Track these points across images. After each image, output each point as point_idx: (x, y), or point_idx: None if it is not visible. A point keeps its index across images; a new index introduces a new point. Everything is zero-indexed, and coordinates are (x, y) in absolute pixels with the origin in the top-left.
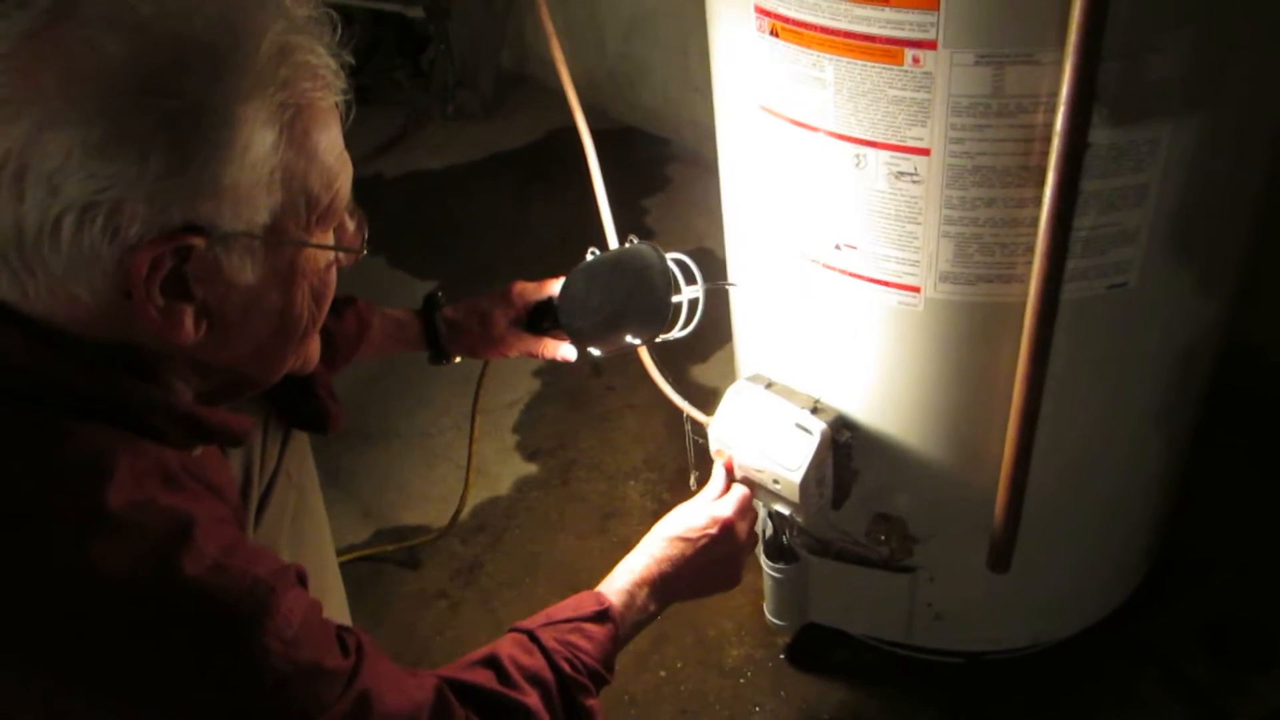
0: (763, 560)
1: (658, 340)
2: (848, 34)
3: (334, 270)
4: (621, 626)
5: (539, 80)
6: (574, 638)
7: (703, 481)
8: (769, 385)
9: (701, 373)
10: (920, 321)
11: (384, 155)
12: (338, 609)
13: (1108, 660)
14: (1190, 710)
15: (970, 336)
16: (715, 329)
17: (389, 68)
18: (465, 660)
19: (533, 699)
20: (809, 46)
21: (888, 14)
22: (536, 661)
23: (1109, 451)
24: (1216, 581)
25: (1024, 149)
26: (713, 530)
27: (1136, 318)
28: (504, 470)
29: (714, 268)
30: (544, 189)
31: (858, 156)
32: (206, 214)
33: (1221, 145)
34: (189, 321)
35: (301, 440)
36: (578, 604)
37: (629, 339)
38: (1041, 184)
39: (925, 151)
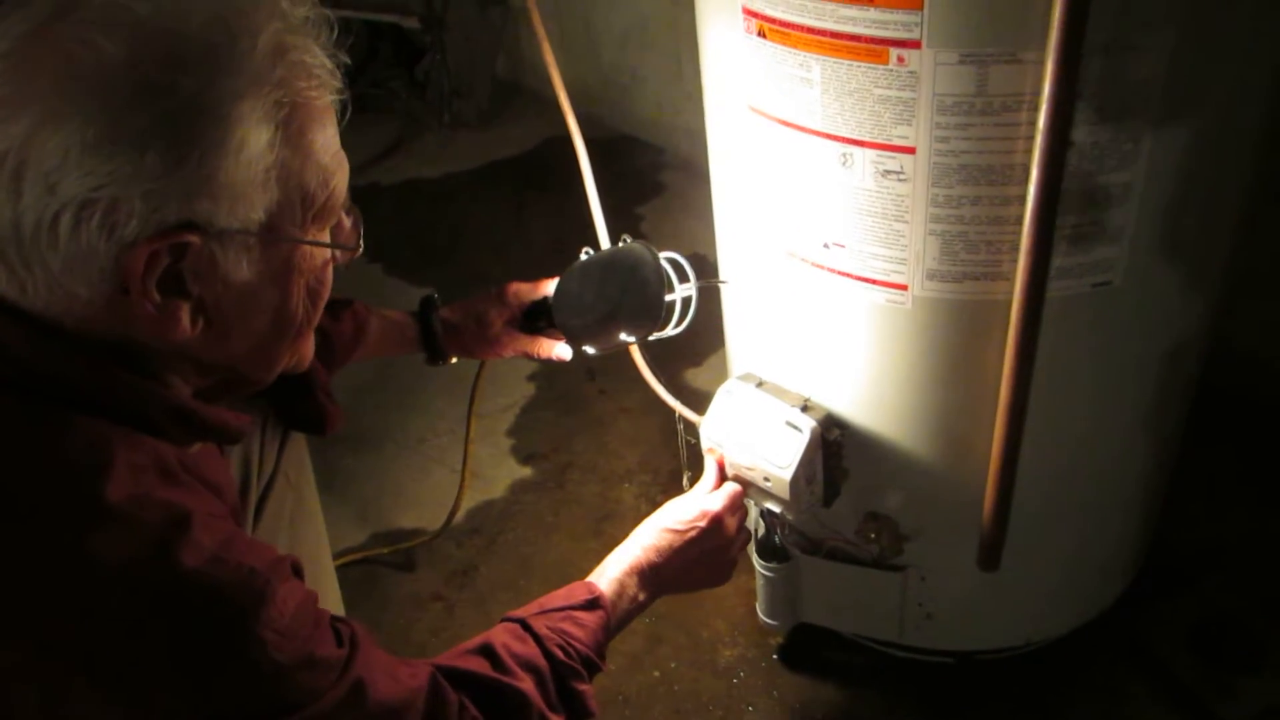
0: (755, 559)
1: (651, 338)
2: (834, 34)
3: (330, 268)
4: (612, 615)
5: (534, 90)
6: (566, 625)
7: (695, 481)
8: (760, 384)
9: (695, 376)
10: (908, 319)
11: (380, 164)
12: (334, 611)
13: (1098, 660)
14: (1179, 711)
15: (957, 334)
16: (708, 333)
17: (386, 77)
18: (460, 649)
19: (527, 684)
20: (796, 47)
21: (873, 14)
22: (530, 649)
23: (1097, 449)
24: (1205, 583)
25: (1008, 147)
26: (702, 523)
27: (1122, 317)
28: (499, 473)
29: (707, 272)
30: (539, 197)
31: (844, 155)
32: (203, 212)
33: (1205, 144)
34: (185, 318)
35: (299, 442)
36: (569, 593)
37: (623, 336)
38: (1026, 182)
39: (911, 150)
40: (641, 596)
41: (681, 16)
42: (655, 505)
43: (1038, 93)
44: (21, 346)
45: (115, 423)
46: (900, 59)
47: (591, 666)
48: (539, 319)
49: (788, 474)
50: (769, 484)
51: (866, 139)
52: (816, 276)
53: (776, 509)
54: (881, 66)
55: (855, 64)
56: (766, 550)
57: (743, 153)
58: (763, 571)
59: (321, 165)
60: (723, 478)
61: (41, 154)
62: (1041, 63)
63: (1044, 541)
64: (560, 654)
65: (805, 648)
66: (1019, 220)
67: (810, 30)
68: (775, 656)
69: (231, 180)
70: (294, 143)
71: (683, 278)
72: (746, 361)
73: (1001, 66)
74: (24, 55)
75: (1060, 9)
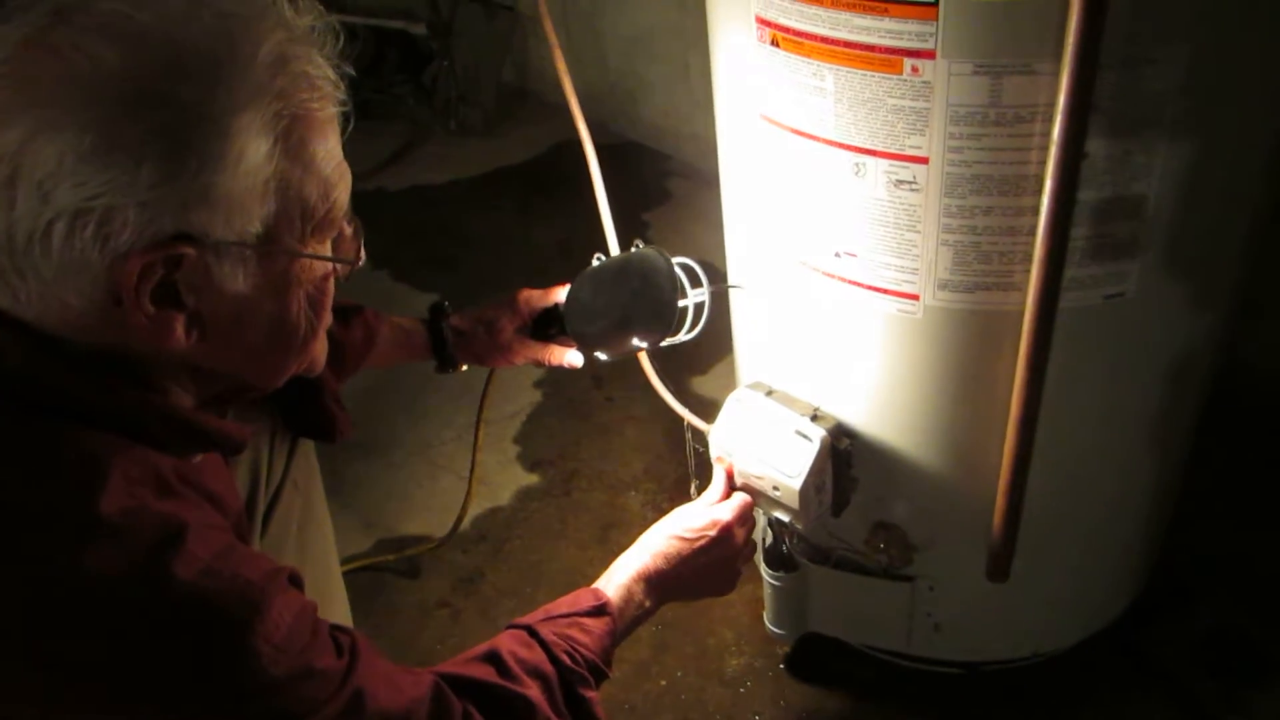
0: (763, 568)
1: (664, 344)
2: (848, 44)
3: (331, 278)
4: (619, 621)
5: (541, 96)
6: (573, 632)
7: (703, 490)
8: (769, 392)
9: (702, 384)
10: (919, 329)
11: (387, 170)
12: (341, 618)
13: (1105, 672)
14: None
15: (969, 344)
16: (715, 341)
17: (392, 83)
18: (466, 655)
19: (533, 691)
20: (809, 56)
21: (887, 24)
22: (536, 655)
23: (1107, 460)
24: (1213, 595)
25: (1022, 158)
26: (712, 532)
27: (1134, 328)
28: (505, 481)
29: (715, 280)
30: (546, 203)
31: (857, 165)
32: (198, 223)
33: (1219, 157)
34: (179, 329)
35: (308, 449)
36: (575, 600)
37: (636, 343)
38: (1039, 193)
39: (924, 160)
40: (648, 603)
41: (689, 23)
42: (661, 513)
43: (1052, 104)
44: (15, 356)
45: (112, 434)
46: (914, 69)
47: (598, 673)
48: (550, 326)
49: (797, 483)
50: (778, 493)
51: (880, 149)
52: (827, 285)
53: (785, 518)
54: (895, 76)
55: (869, 74)
56: (774, 559)
57: (754, 161)
58: (770, 580)
59: (322, 177)
60: (731, 486)
61: (36, 162)
62: (1056, 74)
63: (1052, 553)
64: (567, 660)
65: (812, 657)
66: (1032, 231)
67: (824, 40)
68: (782, 666)
69: (229, 192)
70: (294, 154)
71: (695, 283)
72: (756, 370)
73: (1016, 78)
74: (22, 62)
75: (1076, 22)
